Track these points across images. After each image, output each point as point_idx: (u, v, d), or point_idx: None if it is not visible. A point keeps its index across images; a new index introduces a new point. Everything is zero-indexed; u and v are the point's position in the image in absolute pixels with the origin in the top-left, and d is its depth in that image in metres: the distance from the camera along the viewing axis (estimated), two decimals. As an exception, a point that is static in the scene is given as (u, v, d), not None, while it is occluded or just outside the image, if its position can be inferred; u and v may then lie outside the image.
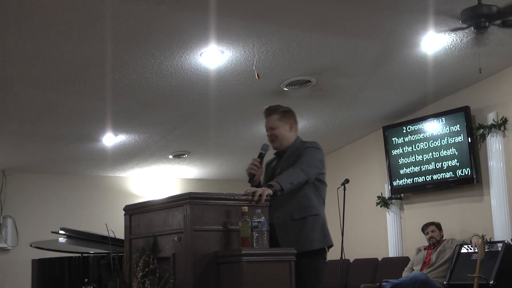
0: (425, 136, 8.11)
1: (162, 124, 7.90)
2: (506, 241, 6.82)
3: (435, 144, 7.98)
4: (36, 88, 6.39)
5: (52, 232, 6.49)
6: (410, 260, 7.87)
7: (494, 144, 7.37)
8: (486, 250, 6.79)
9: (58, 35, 5.39)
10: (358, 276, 8.34)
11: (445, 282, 6.98)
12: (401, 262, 8.04)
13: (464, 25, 5.58)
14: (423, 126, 8.15)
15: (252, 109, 7.61)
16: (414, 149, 8.22)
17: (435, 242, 7.44)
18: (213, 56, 6.06)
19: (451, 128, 7.81)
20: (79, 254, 5.47)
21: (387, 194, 8.67)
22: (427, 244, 7.57)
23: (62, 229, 6.30)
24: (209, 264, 3.39)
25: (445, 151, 7.88)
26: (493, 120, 7.39)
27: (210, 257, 3.40)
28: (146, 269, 3.43)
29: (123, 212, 3.90)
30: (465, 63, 6.84)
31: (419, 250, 7.65)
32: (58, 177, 9.46)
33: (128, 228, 3.82)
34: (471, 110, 7.69)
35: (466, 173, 7.66)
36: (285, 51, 6.12)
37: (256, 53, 6.08)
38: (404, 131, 8.33)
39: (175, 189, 10.14)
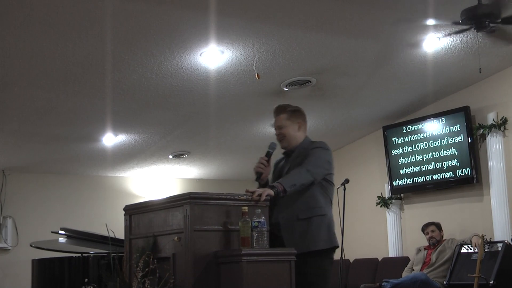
0: (425, 136, 8.11)
1: (162, 124, 7.90)
2: (506, 241, 6.82)
3: (435, 144, 7.98)
4: (36, 88, 6.39)
5: (52, 232, 6.49)
6: (410, 260, 7.87)
7: (494, 144, 7.37)
8: (486, 250, 6.79)
9: (58, 35, 5.39)
10: (358, 276, 8.34)
11: (445, 282, 6.98)
12: (401, 262, 8.04)
13: (465, 25, 5.58)
14: (423, 126, 8.15)
15: (252, 109, 7.61)
16: (414, 149, 8.22)
17: (435, 242, 7.44)
18: (213, 56, 6.06)
19: (451, 128, 7.81)
20: (79, 254, 5.46)
21: (387, 194, 8.67)
22: (427, 244, 7.57)
23: (62, 229, 6.30)
24: (209, 264, 3.39)
25: (445, 151, 7.88)
26: (493, 120, 7.39)
27: (210, 257, 3.40)
28: (146, 269, 3.43)
29: (123, 212, 3.89)
30: (465, 63, 6.84)
31: (419, 250, 7.65)
32: (58, 177, 9.46)
33: (128, 228, 3.82)
34: (471, 110, 7.69)
35: (466, 173, 7.66)
36: (285, 51, 6.12)
37: (256, 53, 6.08)
38: (404, 131, 8.34)
39: (175, 189, 10.14)
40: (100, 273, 5.16)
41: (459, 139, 7.74)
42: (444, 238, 7.52)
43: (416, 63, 6.75)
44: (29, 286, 5.95)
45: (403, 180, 8.35)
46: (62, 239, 6.32)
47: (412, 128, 8.26)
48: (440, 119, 7.95)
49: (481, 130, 7.50)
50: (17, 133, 7.64)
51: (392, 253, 8.54)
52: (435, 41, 6.26)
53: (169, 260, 3.46)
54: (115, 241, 4.28)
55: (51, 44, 5.51)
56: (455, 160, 7.75)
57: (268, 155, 3.99)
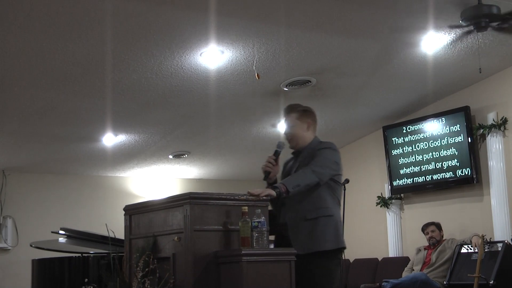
0: (425, 136, 8.11)
1: (162, 124, 7.90)
2: (506, 241, 6.82)
3: (435, 144, 7.98)
4: (36, 88, 6.39)
5: (52, 232, 6.49)
6: (410, 260, 7.87)
7: (494, 144, 7.37)
8: (486, 250, 6.79)
9: (58, 35, 5.39)
10: (358, 276, 8.34)
11: (445, 282, 6.98)
12: (401, 262, 8.04)
13: (464, 25, 5.58)
14: (423, 126, 8.15)
15: (252, 109, 7.61)
16: (414, 149, 8.22)
17: (435, 242, 7.44)
18: (213, 56, 6.05)
19: (451, 128, 7.81)
20: (79, 254, 5.47)
21: (387, 194, 8.67)
22: (427, 244, 7.57)
23: (62, 229, 6.30)
24: (209, 264, 3.39)
25: (445, 151, 7.88)
26: (493, 120, 7.39)
27: (210, 257, 3.40)
28: (146, 269, 3.43)
29: (123, 212, 3.90)
30: (465, 63, 6.84)
31: (419, 250, 7.65)
32: (58, 177, 9.46)
33: (128, 228, 3.82)
34: (471, 110, 7.69)
35: (466, 173, 7.66)
36: (285, 51, 6.11)
37: (256, 53, 6.08)
38: (404, 131, 8.33)
39: (175, 189, 10.14)
40: (100, 273, 5.17)
41: (459, 139, 7.73)
42: (444, 238, 7.52)
43: (416, 63, 6.74)
44: (29, 286, 5.95)
45: (403, 180, 8.35)
46: (62, 239, 6.32)
47: (412, 128, 8.26)
48: (440, 119, 7.94)
49: (481, 130, 7.50)
50: (17, 133, 7.64)
51: (392, 253, 8.54)
52: (435, 41, 6.26)
53: (169, 260, 3.46)
54: (115, 241, 4.28)
55: (51, 44, 5.51)
56: (455, 160, 7.75)
57: (276, 154, 3.96)
